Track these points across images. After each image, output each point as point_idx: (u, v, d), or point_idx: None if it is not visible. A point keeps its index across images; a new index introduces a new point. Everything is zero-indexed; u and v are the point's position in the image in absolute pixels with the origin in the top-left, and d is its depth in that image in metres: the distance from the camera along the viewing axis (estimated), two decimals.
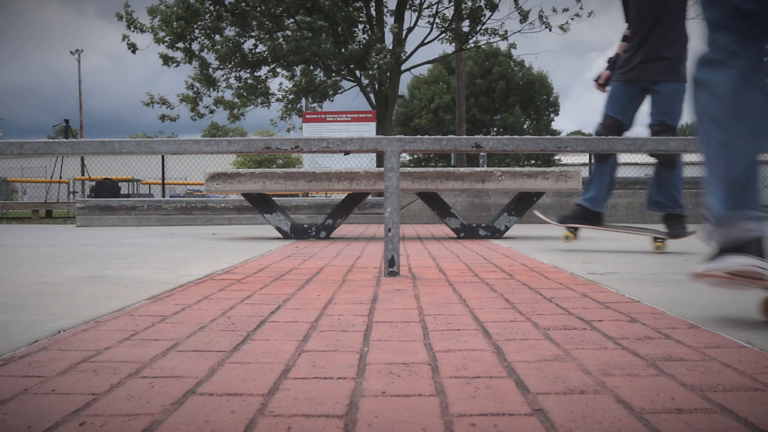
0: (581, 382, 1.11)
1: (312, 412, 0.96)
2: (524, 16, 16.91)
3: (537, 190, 5.07)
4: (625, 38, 3.99)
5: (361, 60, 16.09)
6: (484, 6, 16.62)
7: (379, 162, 13.05)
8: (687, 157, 3.89)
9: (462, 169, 5.09)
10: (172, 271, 2.85)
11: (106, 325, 1.63)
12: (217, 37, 16.41)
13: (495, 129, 36.54)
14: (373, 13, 17.50)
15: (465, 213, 8.13)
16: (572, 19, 17.09)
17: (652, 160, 4.01)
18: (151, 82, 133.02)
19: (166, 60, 16.88)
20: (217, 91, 17.56)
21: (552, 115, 37.96)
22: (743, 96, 1.63)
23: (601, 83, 4.08)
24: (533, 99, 36.98)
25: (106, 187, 15.41)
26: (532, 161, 32.68)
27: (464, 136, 2.61)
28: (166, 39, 16.26)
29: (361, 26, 17.63)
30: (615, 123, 3.87)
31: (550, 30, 17.07)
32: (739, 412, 0.95)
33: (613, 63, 4.06)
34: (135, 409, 0.98)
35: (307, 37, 14.74)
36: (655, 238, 3.86)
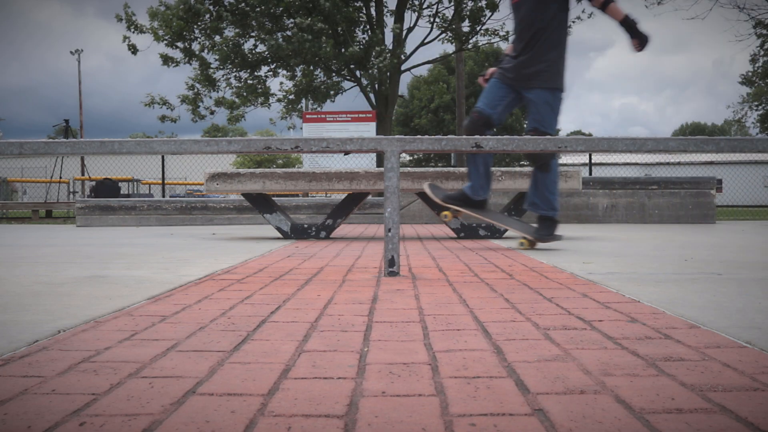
0: (581, 382, 1.11)
1: (312, 412, 0.96)
2: None
3: None
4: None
5: (361, 61, 16.09)
6: (484, 6, 16.61)
7: (379, 162, 13.04)
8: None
9: (462, 169, 5.08)
10: (172, 271, 2.85)
11: (106, 325, 1.63)
12: (217, 38, 16.40)
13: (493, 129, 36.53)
14: (373, 13, 17.49)
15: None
16: (573, 22, 17.11)
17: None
18: (151, 83, 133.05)
19: (166, 60, 16.88)
20: (217, 92, 17.56)
21: None
22: None
23: (486, 79, 4.14)
24: None
25: (106, 187, 15.42)
26: None
27: (464, 136, 2.61)
28: (166, 37, 16.26)
29: (361, 27, 17.63)
30: (482, 117, 3.94)
31: None
32: (739, 412, 0.95)
33: (499, 61, 4.15)
34: (135, 409, 0.98)
35: (308, 40, 14.75)
36: (523, 236, 4.01)
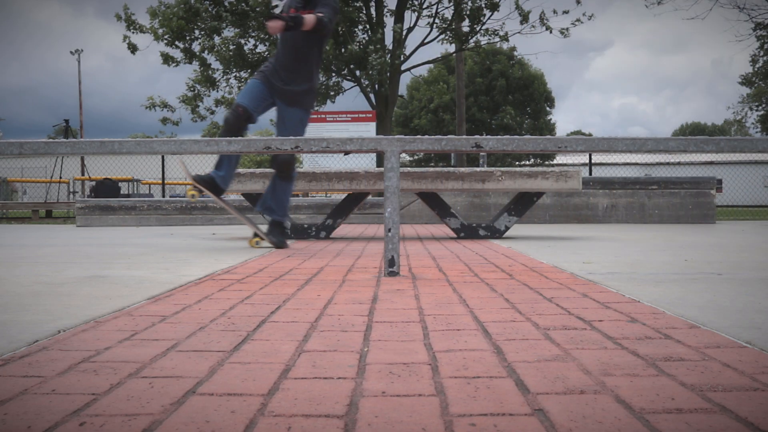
0: (581, 382, 1.11)
1: (312, 412, 0.96)
2: (524, 17, 16.89)
3: (537, 190, 5.07)
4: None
5: (360, 61, 16.08)
6: (484, 6, 16.60)
7: (379, 162, 13.04)
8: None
9: (462, 169, 5.08)
10: (172, 271, 2.85)
11: (106, 325, 1.63)
12: (217, 39, 16.39)
13: (493, 128, 36.61)
14: (373, 13, 17.48)
15: (465, 213, 8.13)
16: (574, 24, 17.10)
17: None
18: (151, 83, 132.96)
19: (167, 59, 16.87)
20: (218, 91, 17.56)
21: (548, 108, 38.40)
22: None
23: (276, 28, 3.93)
24: (533, 95, 37.10)
25: (106, 187, 15.40)
26: (532, 159, 32.72)
27: (464, 136, 2.61)
28: (166, 36, 16.25)
29: (360, 26, 17.62)
30: (246, 113, 4.17)
31: (551, 32, 17.06)
32: (739, 412, 0.95)
33: (289, 23, 3.93)
34: (135, 409, 0.98)
35: None
36: (255, 234, 4.30)
